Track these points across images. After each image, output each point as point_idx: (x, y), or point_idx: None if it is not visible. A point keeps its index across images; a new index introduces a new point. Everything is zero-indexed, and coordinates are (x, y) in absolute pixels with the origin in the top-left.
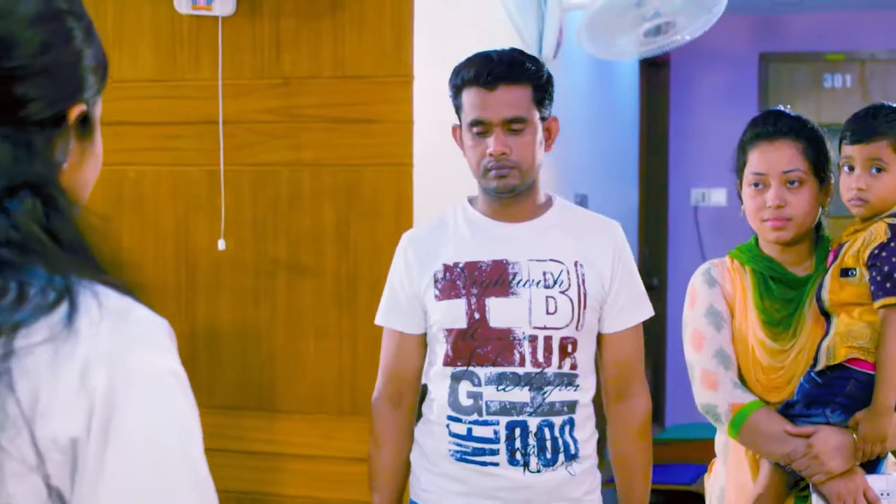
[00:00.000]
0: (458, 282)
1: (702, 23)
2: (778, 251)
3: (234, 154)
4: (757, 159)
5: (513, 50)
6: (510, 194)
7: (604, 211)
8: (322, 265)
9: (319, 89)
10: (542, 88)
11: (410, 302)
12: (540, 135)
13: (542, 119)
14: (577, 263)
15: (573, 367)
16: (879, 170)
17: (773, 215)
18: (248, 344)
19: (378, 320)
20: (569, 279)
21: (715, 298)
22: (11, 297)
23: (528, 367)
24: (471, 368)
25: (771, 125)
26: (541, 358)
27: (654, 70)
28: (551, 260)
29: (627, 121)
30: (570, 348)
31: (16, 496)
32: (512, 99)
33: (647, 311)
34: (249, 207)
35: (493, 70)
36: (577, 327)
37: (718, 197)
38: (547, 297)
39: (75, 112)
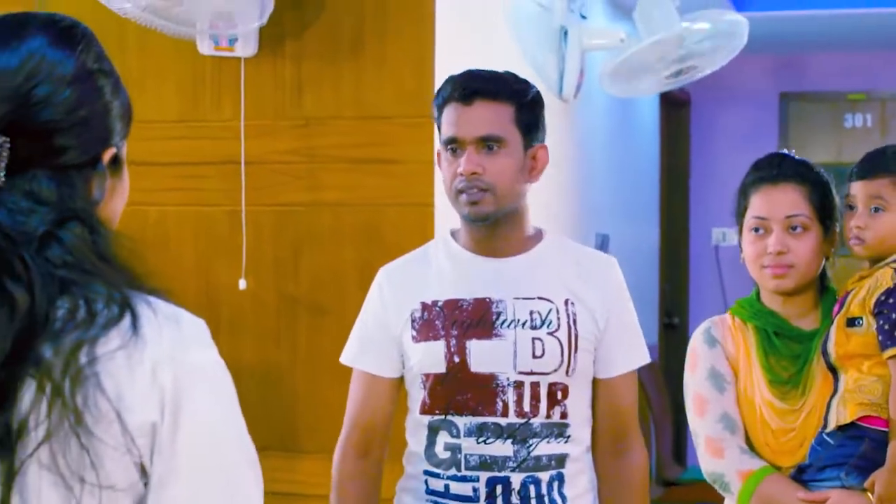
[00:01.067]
0: (436, 322)
1: (721, 57)
2: (780, 303)
3: (255, 194)
4: (759, 203)
5: (502, 71)
6: (485, 223)
7: (625, 250)
8: (343, 305)
9: (341, 130)
10: (526, 109)
11: (384, 342)
12: (521, 160)
13: (528, 145)
14: (567, 302)
15: (563, 415)
16: (878, 209)
17: (774, 262)
18: (270, 383)
19: (344, 359)
20: (558, 319)
21: (716, 359)
22: (83, 313)
23: (512, 418)
24: (449, 417)
25: (775, 168)
26: (526, 407)
27: (675, 109)
28: (539, 298)
29: (648, 160)
30: (559, 395)
31: (112, 473)
32: (488, 115)
33: (644, 356)
34: (271, 247)
35: (470, 84)
36: (567, 372)
37: None
38: (534, 339)
39: (107, 155)
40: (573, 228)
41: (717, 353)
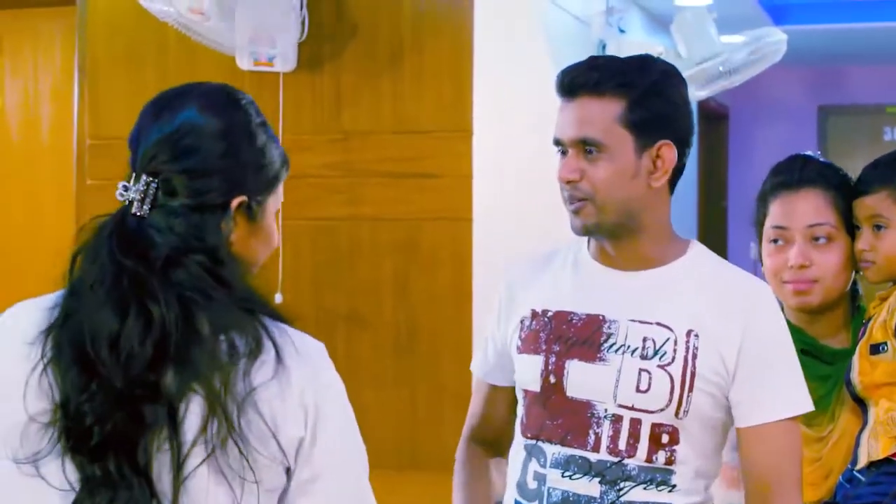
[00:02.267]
0: (541, 334)
1: (757, 69)
2: (807, 321)
3: (293, 208)
4: (778, 211)
5: (630, 57)
6: (592, 235)
7: None
8: (381, 318)
9: (379, 144)
10: (641, 103)
11: (499, 349)
12: (632, 164)
13: (644, 146)
14: (690, 333)
15: (669, 462)
16: (880, 227)
17: (796, 277)
18: None
19: (472, 364)
20: (674, 351)
21: None
22: (225, 350)
23: (604, 454)
24: (539, 444)
25: (796, 172)
26: (622, 445)
27: (713, 122)
28: (658, 324)
29: (686, 173)
30: (665, 439)
31: (264, 480)
32: (587, 114)
33: (794, 406)
34: (309, 261)
35: (574, 76)
36: (677, 413)
37: None
38: (640, 371)
39: (235, 202)
40: None
41: None
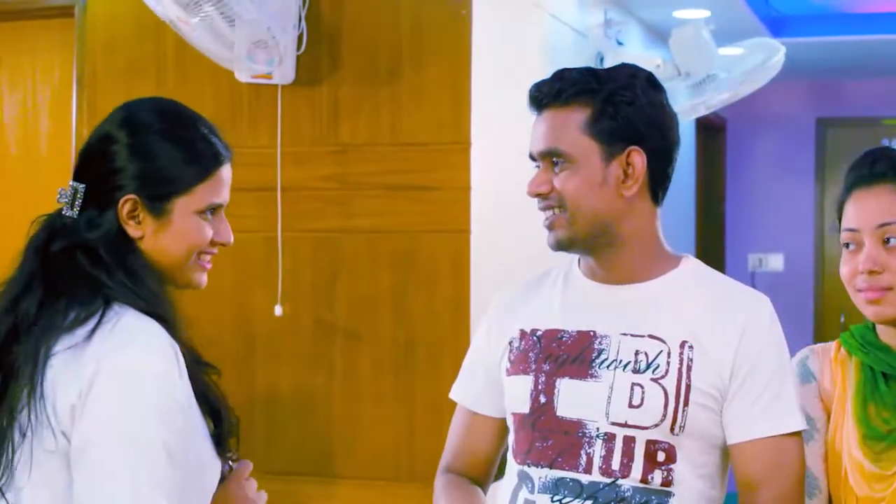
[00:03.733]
0: (530, 354)
1: (754, 85)
2: None
3: (292, 220)
4: (851, 212)
5: (582, 67)
6: (569, 251)
7: None
8: (379, 331)
9: (377, 156)
10: (607, 111)
11: (487, 374)
12: (600, 173)
13: (611, 154)
14: (684, 344)
15: (666, 482)
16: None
17: (867, 283)
18: (306, 410)
19: (451, 391)
20: (668, 364)
21: (808, 399)
22: (59, 317)
23: (596, 475)
24: (527, 468)
25: (866, 167)
26: (615, 465)
27: (711, 134)
28: (650, 336)
29: (684, 185)
30: (661, 457)
31: (44, 438)
32: (552, 126)
33: (790, 423)
34: (307, 273)
35: (540, 89)
36: (672, 429)
37: (776, 262)
38: (633, 385)
39: (122, 202)
40: None
41: (810, 390)
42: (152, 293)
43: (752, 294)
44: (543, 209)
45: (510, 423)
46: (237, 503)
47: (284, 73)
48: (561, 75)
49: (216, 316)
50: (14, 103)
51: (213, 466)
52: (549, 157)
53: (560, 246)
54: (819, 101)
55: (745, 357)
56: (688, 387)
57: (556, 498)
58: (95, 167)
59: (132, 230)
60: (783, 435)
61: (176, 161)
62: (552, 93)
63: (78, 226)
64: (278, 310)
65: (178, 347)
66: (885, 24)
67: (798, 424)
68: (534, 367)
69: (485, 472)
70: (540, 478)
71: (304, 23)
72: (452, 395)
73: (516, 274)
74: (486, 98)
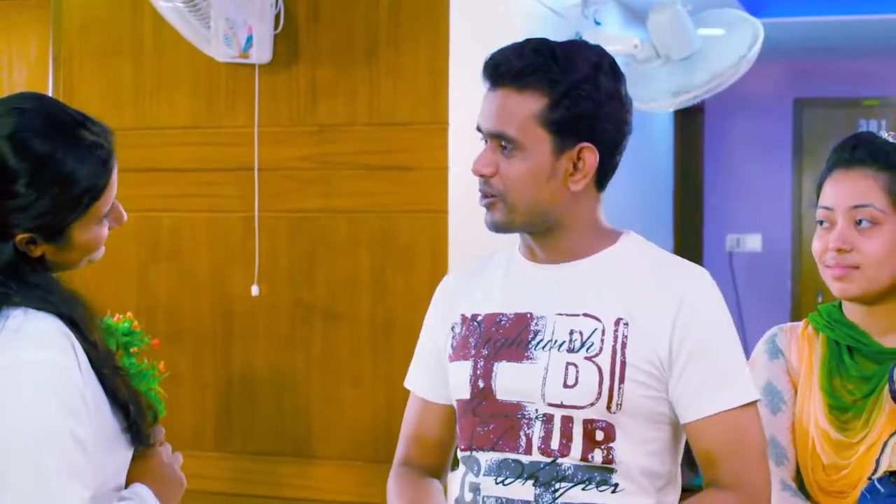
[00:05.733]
0: (470, 339)
1: (729, 76)
2: (863, 314)
3: (269, 201)
4: (828, 191)
5: (544, 42)
6: (504, 232)
7: None
8: (357, 312)
9: (355, 136)
10: (564, 103)
11: (436, 361)
12: (547, 165)
13: (562, 147)
14: (619, 322)
15: (607, 461)
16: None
17: (836, 261)
18: (284, 390)
19: (405, 380)
20: (602, 342)
21: (776, 373)
22: None
23: (536, 456)
24: (473, 453)
25: (847, 150)
26: (554, 444)
27: (689, 116)
28: (585, 315)
29: (662, 167)
30: (599, 436)
31: None
32: (505, 108)
33: (741, 395)
34: (285, 254)
35: (500, 62)
36: (609, 407)
37: (754, 243)
38: (567, 365)
39: (19, 239)
40: None
41: (779, 365)
42: (61, 298)
43: (687, 268)
44: (483, 190)
45: (456, 409)
46: (155, 468)
47: (262, 52)
48: (521, 52)
49: (193, 296)
50: None
51: (116, 457)
52: (498, 140)
53: (496, 228)
54: (796, 81)
55: (685, 334)
56: (623, 364)
57: (499, 479)
58: (5, 190)
59: (32, 252)
60: (737, 408)
61: (72, 190)
62: (510, 72)
63: None
64: (255, 290)
65: (76, 342)
66: (863, 4)
67: (750, 395)
68: (473, 352)
69: (440, 461)
70: (486, 461)
71: (281, 3)
72: (405, 384)
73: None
74: (464, 78)
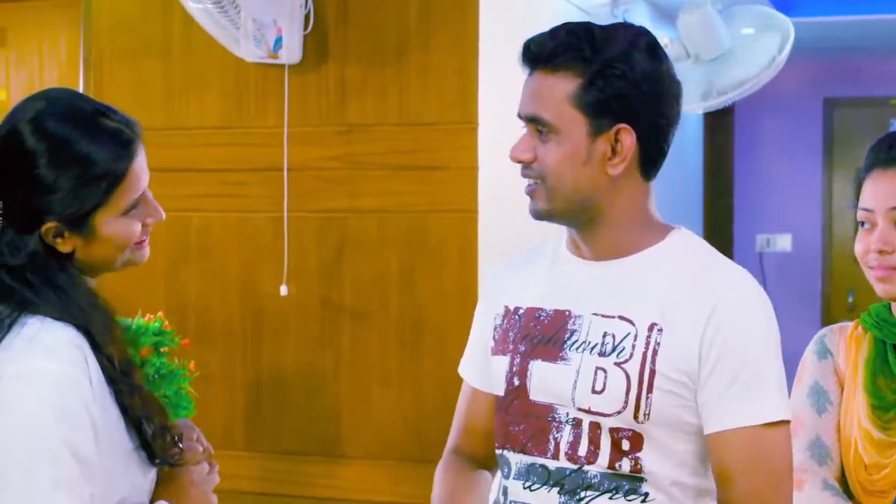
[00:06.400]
0: (510, 333)
1: (759, 79)
2: None
3: (298, 201)
4: (867, 192)
5: (582, 23)
6: (547, 220)
7: None
8: (386, 312)
9: (384, 136)
10: (598, 83)
11: (483, 350)
12: (584, 148)
13: (598, 129)
14: (653, 327)
15: (635, 470)
16: None
17: (878, 262)
18: (313, 390)
19: (459, 366)
20: (633, 347)
21: (823, 374)
22: None
23: (563, 462)
24: (504, 452)
25: (884, 150)
26: (581, 451)
27: (718, 116)
28: (620, 317)
29: (692, 166)
30: (626, 445)
31: None
32: (539, 91)
33: (771, 411)
34: (314, 254)
35: (534, 46)
36: (636, 416)
37: (784, 243)
38: (597, 369)
39: (44, 229)
40: None
41: (827, 366)
42: (79, 307)
43: (728, 269)
44: (524, 176)
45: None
46: (180, 488)
47: (291, 52)
48: (554, 34)
49: (223, 296)
50: (21, 82)
51: (129, 474)
52: (534, 124)
53: (539, 216)
54: (826, 81)
55: (714, 339)
56: (652, 372)
57: (526, 484)
58: (12, 187)
59: (61, 247)
60: (762, 425)
61: (89, 172)
62: (543, 54)
63: (1, 246)
64: (284, 290)
65: (90, 354)
66: (893, 3)
67: (779, 413)
68: (511, 347)
69: (490, 451)
70: (515, 463)
71: (310, 3)
72: (459, 370)
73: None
74: (494, 77)
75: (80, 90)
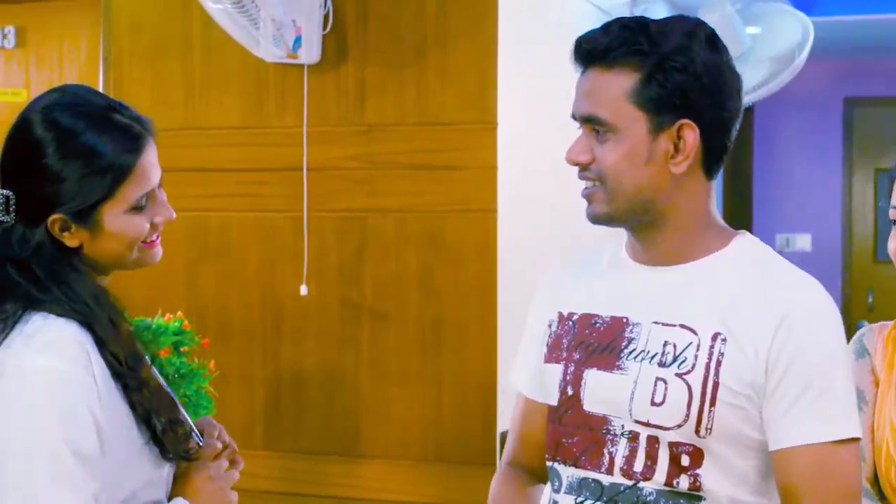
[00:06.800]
0: (564, 340)
1: (780, 79)
2: None
3: (317, 200)
4: None
5: (636, 18)
6: (607, 225)
7: None
8: (406, 311)
9: (403, 136)
10: (658, 77)
11: (535, 358)
12: (645, 146)
13: (659, 126)
14: (716, 337)
15: (694, 487)
16: None
17: None
18: (333, 389)
19: (511, 377)
20: (696, 358)
21: (860, 373)
22: None
23: (617, 477)
24: (555, 465)
25: None
26: (638, 466)
27: None
28: (681, 326)
29: None
30: (685, 461)
31: None
32: (595, 89)
33: (840, 429)
34: (334, 253)
35: (586, 42)
36: (697, 430)
37: (804, 242)
38: (656, 380)
39: (50, 220)
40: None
41: (864, 365)
42: (84, 303)
43: (796, 277)
44: (582, 179)
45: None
46: (196, 483)
47: (311, 52)
48: (608, 28)
49: (242, 295)
50: (41, 81)
51: (141, 469)
52: (591, 124)
53: (597, 220)
54: (847, 80)
55: (783, 351)
56: (715, 384)
57: (578, 500)
58: (22, 178)
59: (68, 241)
60: (830, 442)
61: (95, 164)
62: (597, 50)
63: (10, 238)
64: (304, 289)
65: (93, 350)
66: None
67: (850, 431)
68: (565, 354)
69: (541, 467)
70: (567, 477)
71: (329, 3)
72: (511, 380)
73: (543, 253)
74: (513, 77)
75: (101, 90)
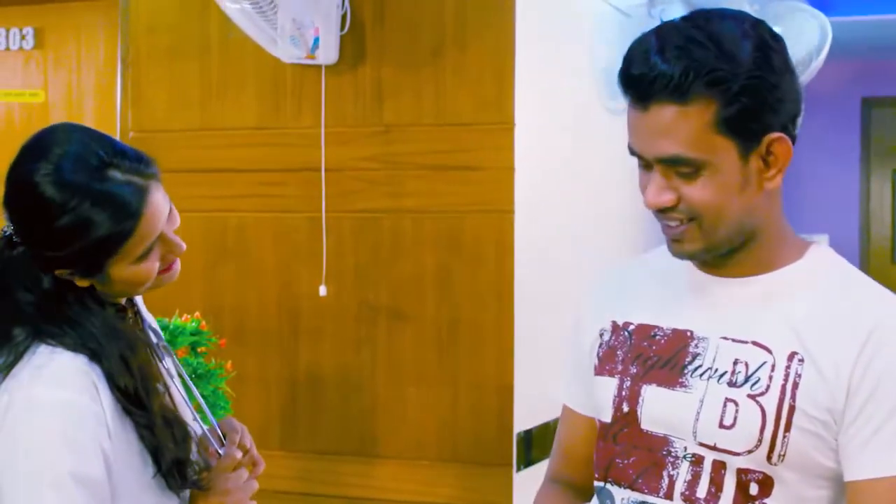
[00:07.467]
0: (619, 351)
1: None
2: None
3: (335, 201)
4: None
5: (681, 31)
6: (697, 259)
7: None
8: (423, 312)
9: (421, 136)
10: (740, 98)
11: (581, 369)
12: (739, 172)
13: (750, 148)
14: (793, 356)
15: None
16: None
17: None
18: (349, 390)
19: (556, 387)
20: (770, 379)
21: None
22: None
23: (677, 502)
24: (607, 486)
25: None
26: (701, 492)
27: None
28: (754, 343)
29: None
30: (754, 490)
31: None
32: (669, 128)
33: None
34: (351, 254)
35: (646, 75)
36: (770, 458)
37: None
38: (726, 400)
39: (58, 272)
40: (645, 239)
41: None
42: (94, 338)
43: (882, 294)
44: (666, 220)
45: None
46: (217, 494)
47: (328, 53)
48: (663, 54)
49: (259, 296)
50: (59, 83)
51: (152, 498)
52: (671, 164)
53: (690, 257)
54: (864, 80)
55: (866, 375)
56: (791, 408)
57: None
58: (30, 231)
59: (79, 282)
60: None
61: (96, 241)
62: (662, 83)
63: (21, 269)
64: (322, 290)
65: (101, 382)
66: None
67: None
68: (620, 367)
69: (592, 479)
70: (620, 499)
71: (347, 3)
72: (557, 393)
73: (560, 254)
74: (530, 77)
75: (119, 91)
